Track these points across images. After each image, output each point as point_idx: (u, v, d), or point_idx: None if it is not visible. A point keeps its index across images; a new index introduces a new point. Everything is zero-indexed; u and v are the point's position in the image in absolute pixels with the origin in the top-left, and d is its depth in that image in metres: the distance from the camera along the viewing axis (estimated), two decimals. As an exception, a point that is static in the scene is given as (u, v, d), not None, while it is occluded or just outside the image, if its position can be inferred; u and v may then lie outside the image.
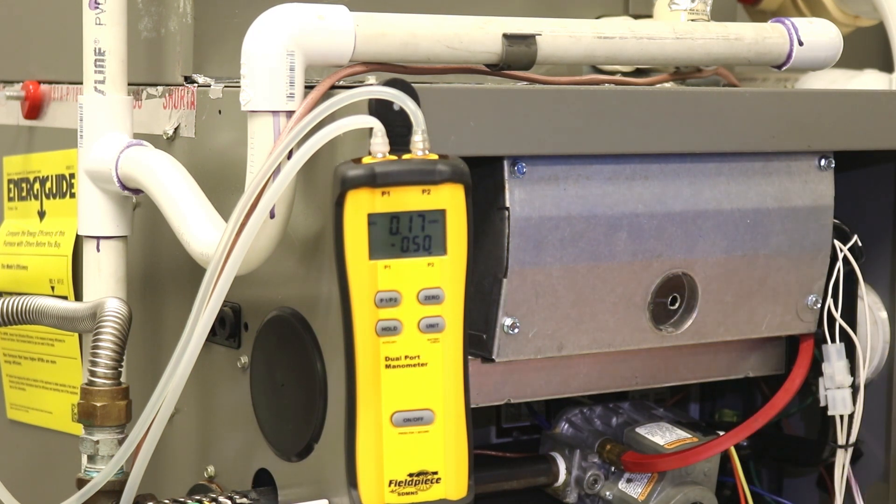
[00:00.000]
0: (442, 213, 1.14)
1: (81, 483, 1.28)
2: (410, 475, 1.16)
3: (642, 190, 1.34)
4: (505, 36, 1.28)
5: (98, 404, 1.30)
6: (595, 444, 1.47)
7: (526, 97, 1.26)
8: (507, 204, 1.28)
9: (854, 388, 1.49)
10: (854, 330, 1.50)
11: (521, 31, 1.28)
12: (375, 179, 1.13)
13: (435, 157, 1.14)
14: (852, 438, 1.50)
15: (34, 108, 1.61)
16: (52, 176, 1.58)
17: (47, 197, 1.58)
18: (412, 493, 1.16)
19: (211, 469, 1.39)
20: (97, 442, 1.31)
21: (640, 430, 1.48)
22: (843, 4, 1.80)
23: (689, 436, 1.47)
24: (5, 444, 1.70)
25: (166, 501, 1.27)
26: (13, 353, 1.64)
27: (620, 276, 1.35)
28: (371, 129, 1.14)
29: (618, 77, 1.49)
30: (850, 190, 1.53)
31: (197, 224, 1.25)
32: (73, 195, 1.53)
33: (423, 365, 1.16)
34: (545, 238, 1.30)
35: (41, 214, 1.60)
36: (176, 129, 1.41)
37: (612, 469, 1.47)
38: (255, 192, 1.16)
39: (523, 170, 1.28)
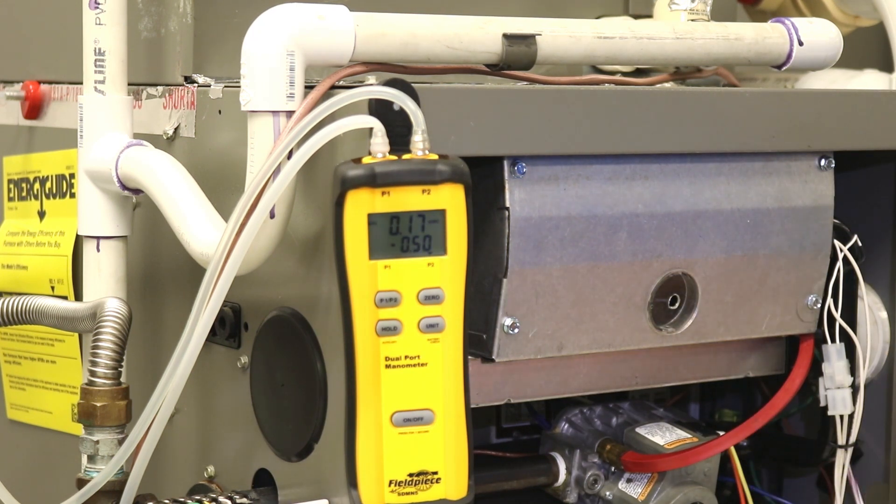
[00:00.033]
0: (442, 213, 1.14)
1: (81, 483, 1.28)
2: (410, 475, 1.16)
3: (642, 190, 1.34)
4: (505, 36, 1.28)
5: (98, 404, 1.30)
6: (595, 444, 1.47)
7: (526, 97, 1.26)
8: (507, 204, 1.28)
9: (854, 388, 1.49)
10: (854, 330, 1.50)
11: (521, 31, 1.28)
12: (375, 179, 1.13)
13: (435, 157, 1.14)
14: (852, 438, 1.50)
15: (34, 108, 1.61)
16: (52, 176, 1.58)
17: (47, 197, 1.58)
18: (412, 493, 1.16)
19: (211, 469, 1.39)
20: (97, 442, 1.31)
21: (640, 430, 1.48)
22: (843, 4, 1.80)
23: (689, 436, 1.47)
24: (5, 444, 1.70)
25: (166, 501, 1.27)
26: (13, 353, 1.64)
27: (620, 276, 1.35)
28: (371, 129, 1.14)
29: (618, 77, 1.49)
30: (850, 190, 1.53)
31: (197, 224, 1.25)
32: (73, 195, 1.53)
33: (423, 365, 1.16)
34: (545, 238, 1.30)
35: (41, 214, 1.60)
36: (176, 129, 1.41)
37: (612, 469, 1.47)
38: (255, 192, 1.16)
39: (523, 170, 1.28)
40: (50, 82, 1.61)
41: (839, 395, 1.49)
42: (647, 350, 1.42)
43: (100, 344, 1.30)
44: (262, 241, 1.21)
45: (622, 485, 1.47)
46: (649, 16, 1.62)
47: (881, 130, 1.45)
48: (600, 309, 1.34)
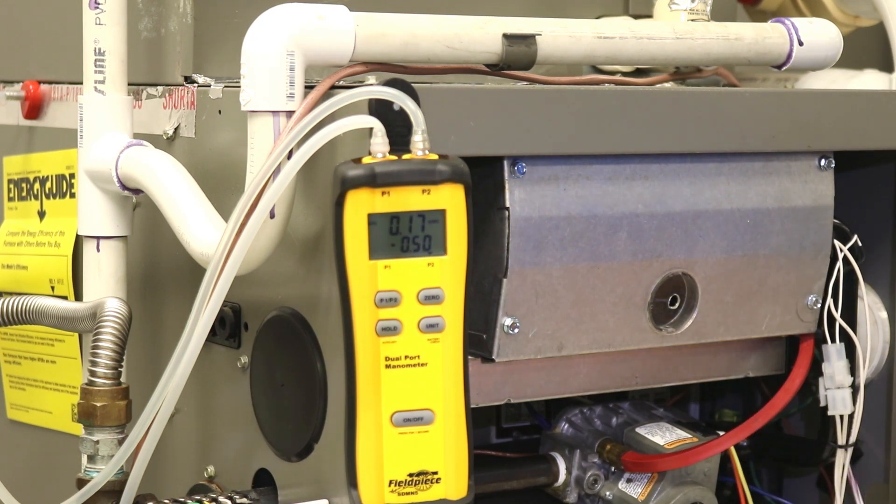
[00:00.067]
0: (442, 213, 1.14)
1: (81, 483, 1.28)
2: (410, 475, 1.16)
3: (642, 190, 1.34)
4: (505, 36, 1.28)
5: (98, 404, 1.30)
6: (595, 444, 1.47)
7: (526, 97, 1.26)
8: (507, 204, 1.28)
9: (854, 388, 1.49)
10: (854, 330, 1.50)
11: (521, 31, 1.28)
12: (375, 179, 1.13)
13: (435, 157, 1.14)
14: (852, 438, 1.50)
15: (34, 108, 1.61)
16: (52, 176, 1.58)
17: (47, 197, 1.58)
18: (412, 493, 1.16)
19: (211, 469, 1.39)
20: (97, 442, 1.31)
21: (640, 430, 1.48)
22: (843, 4, 1.80)
23: (689, 436, 1.47)
24: (5, 444, 1.70)
25: (166, 501, 1.27)
26: (13, 353, 1.64)
27: (620, 276, 1.35)
28: (371, 129, 1.14)
29: (618, 77, 1.49)
30: (850, 190, 1.53)
31: (197, 224, 1.25)
32: (73, 195, 1.53)
33: (423, 365, 1.16)
34: (545, 238, 1.30)
35: (41, 214, 1.60)
36: (176, 129, 1.41)
37: (612, 469, 1.47)
38: (255, 192, 1.16)
39: (523, 170, 1.28)
40: (50, 82, 1.61)
41: (839, 395, 1.49)
42: (647, 350, 1.42)
43: (100, 344, 1.30)
44: (262, 241, 1.21)
45: (622, 485, 1.47)
46: (649, 16, 1.62)
47: (881, 130, 1.45)
48: (600, 309, 1.34)
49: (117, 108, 1.37)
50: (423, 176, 1.13)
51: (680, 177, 1.36)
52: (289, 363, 1.27)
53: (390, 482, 1.16)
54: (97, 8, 1.36)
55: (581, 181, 1.31)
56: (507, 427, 1.61)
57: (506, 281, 1.29)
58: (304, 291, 1.26)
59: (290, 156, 1.15)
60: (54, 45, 1.60)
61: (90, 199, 1.38)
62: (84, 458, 1.32)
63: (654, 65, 1.45)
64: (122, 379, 1.32)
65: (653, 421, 1.50)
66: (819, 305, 1.47)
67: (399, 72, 1.27)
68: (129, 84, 1.38)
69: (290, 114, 1.19)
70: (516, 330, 1.30)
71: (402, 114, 1.15)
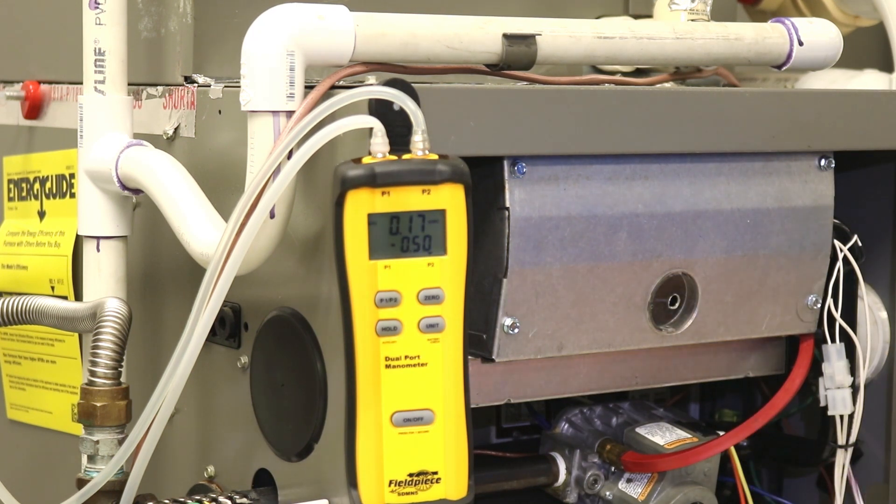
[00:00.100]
0: (442, 213, 1.14)
1: (81, 483, 1.28)
2: (410, 475, 1.16)
3: (642, 190, 1.34)
4: (505, 36, 1.28)
5: (98, 404, 1.30)
6: (595, 444, 1.47)
7: (526, 97, 1.26)
8: (507, 204, 1.28)
9: (854, 388, 1.49)
10: (854, 330, 1.50)
11: (521, 31, 1.28)
12: (375, 179, 1.13)
13: (435, 157, 1.14)
14: (852, 438, 1.50)
15: (34, 108, 1.61)
16: (52, 176, 1.58)
17: (47, 197, 1.58)
18: (412, 493, 1.16)
19: (211, 469, 1.39)
20: (97, 442, 1.31)
21: (640, 430, 1.48)
22: (843, 4, 1.80)
23: (689, 436, 1.47)
24: (5, 444, 1.70)
25: (166, 501, 1.27)
26: (13, 353, 1.64)
27: (620, 276, 1.34)
28: (371, 129, 1.14)
29: (618, 77, 1.49)
30: (850, 190, 1.53)
31: (197, 224, 1.25)
32: (73, 195, 1.53)
33: (423, 365, 1.16)
34: (545, 238, 1.30)
35: (41, 214, 1.60)
36: (176, 129, 1.41)
37: (612, 469, 1.47)
38: (255, 192, 1.16)
39: (523, 170, 1.28)
40: (50, 82, 1.61)
41: (839, 395, 1.49)
42: (647, 350, 1.42)
43: (100, 344, 1.30)
44: (262, 241, 1.21)
45: (622, 485, 1.47)
46: (649, 16, 1.62)
47: (881, 130, 1.45)
48: (600, 309, 1.34)
49: (117, 108, 1.37)
50: (423, 176, 1.13)
51: (680, 177, 1.36)
52: (289, 363, 1.27)
53: (390, 482, 1.16)
54: (97, 8, 1.36)
55: (581, 181, 1.31)
56: (507, 427, 1.61)
57: (506, 281, 1.29)
58: (304, 291, 1.26)
59: (290, 156, 1.15)
60: (54, 45, 1.60)
61: (90, 199, 1.38)
62: (84, 458, 1.32)
63: (654, 65, 1.45)
64: (122, 379, 1.32)
65: (653, 421, 1.50)
66: (819, 305, 1.47)
67: (399, 72, 1.27)
68: (129, 84, 1.38)
69: (290, 114, 1.19)
70: (516, 330, 1.30)
71: (402, 114, 1.15)
